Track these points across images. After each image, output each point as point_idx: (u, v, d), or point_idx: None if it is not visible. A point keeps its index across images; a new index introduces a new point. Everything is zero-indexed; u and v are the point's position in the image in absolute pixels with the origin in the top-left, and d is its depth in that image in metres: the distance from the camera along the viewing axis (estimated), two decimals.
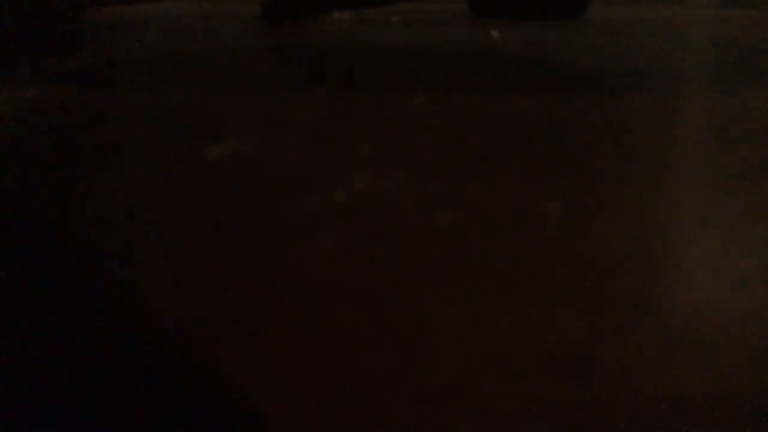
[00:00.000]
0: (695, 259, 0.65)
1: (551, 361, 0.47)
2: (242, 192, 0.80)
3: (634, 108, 1.23)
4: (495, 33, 2.18)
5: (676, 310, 0.55)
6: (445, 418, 0.42)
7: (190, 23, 2.39)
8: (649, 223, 0.72)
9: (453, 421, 0.42)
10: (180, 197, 0.79)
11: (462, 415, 0.42)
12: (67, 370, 0.46)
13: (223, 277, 0.59)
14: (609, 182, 0.84)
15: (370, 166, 0.88)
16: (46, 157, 0.94)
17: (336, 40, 2.08)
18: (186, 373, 0.47)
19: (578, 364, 0.47)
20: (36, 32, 1.90)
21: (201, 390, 0.45)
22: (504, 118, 1.15)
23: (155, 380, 0.46)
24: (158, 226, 0.71)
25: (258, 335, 0.51)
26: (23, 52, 1.73)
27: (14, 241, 0.67)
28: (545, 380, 0.45)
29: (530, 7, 2.61)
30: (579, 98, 1.29)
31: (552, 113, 1.19)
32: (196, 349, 0.49)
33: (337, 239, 0.67)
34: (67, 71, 1.52)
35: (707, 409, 0.43)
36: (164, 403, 0.43)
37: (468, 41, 2.11)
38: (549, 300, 0.55)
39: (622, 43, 2.04)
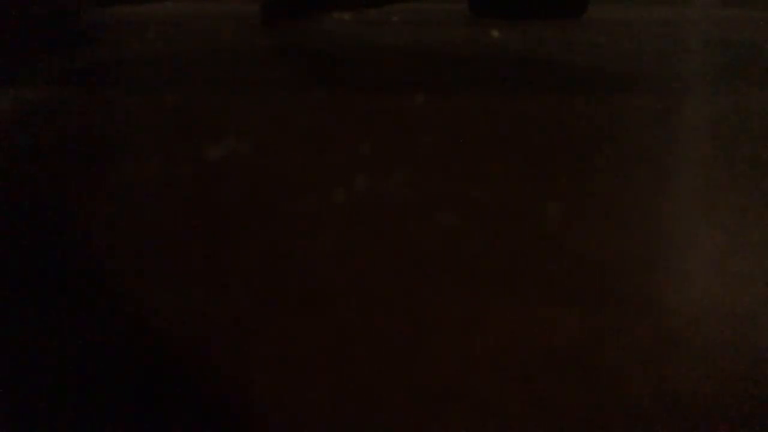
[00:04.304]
0: (695, 260, 0.65)
1: (551, 361, 0.47)
2: (242, 191, 0.80)
3: (634, 108, 1.23)
4: (495, 33, 2.18)
5: (675, 310, 0.55)
6: (446, 417, 0.42)
7: (190, 23, 2.39)
8: (648, 223, 0.72)
9: (453, 420, 0.42)
10: (180, 196, 0.79)
11: (462, 415, 0.42)
12: (67, 368, 0.47)
13: (224, 276, 0.59)
14: (609, 182, 0.84)
15: (370, 166, 0.88)
16: (46, 156, 0.94)
17: (336, 40, 2.08)
18: (186, 372, 0.47)
19: (579, 364, 0.47)
20: (36, 32, 1.90)
21: (201, 389, 0.45)
22: (504, 118, 1.15)
23: (155, 378, 0.46)
24: (158, 225, 0.71)
25: (259, 334, 0.51)
26: (24, 52, 1.73)
27: (15, 239, 0.67)
28: (545, 380, 0.45)
29: (530, 6, 2.61)
30: (579, 98, 1.29)
31: (552, 113, 1.19)
32: (196, 348, 0.49)
33: (338, 239, 0.67)
34: (68, 71, 1.52)
35: (707, 409, 0.43)
36: (164, 402, 0.43)
37: (468, 41, 2.11)
38: (549, 300, 0.55)
39: (622, 43, 2.04)
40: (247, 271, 0.60)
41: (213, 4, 2.88)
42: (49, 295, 0.57)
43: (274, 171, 0.87)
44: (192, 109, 1.20)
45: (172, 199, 0.79)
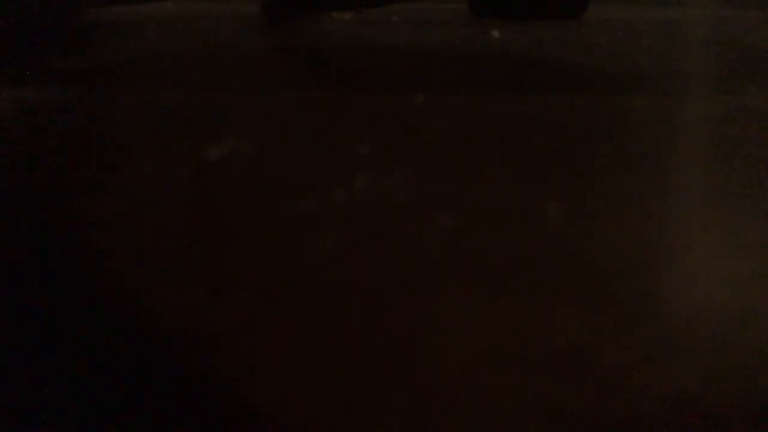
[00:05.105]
0: (695, 261, 0.65)
1: (551, 362, 0.47)
2: (243, 192, 0.80)
3: (634, 108, 1.23)
4: (495, 33, 2.18)
5: (676, 311, 0.55)
6: (446, 419, 0.42)
7: (190, 23, 2.39)
8: (648, 224, 0.72)
9: (453, 422, 0.42)
10: (180, 197, 0.79)
11: (462, 416, 0.42)
12: (67, 370, 0.47)
13: (224, 277, 0.59)
14: (609, 183, 0.84)
15: (370, 166, 0.88)
16: (46, 157, 0.94)
17: (336, 40, 2.08)
18: (186, 373, 0.47)
19: (579, 364, 0.47)
20: (36, 32, 1.90)
21: (201, 390, 0.45)
22: (504, 119, 1.15)
23: (155, 380, 0.46)
24: (158, 226, 0.71)
25: (259, 335, 0.51)
26: (23, 52, 1.73)
27: (15, 241, 0.67)
28: (546, 381, 0.45)
29: (530, 7, 2.61)
30: (579, 98, 1.29)
31: (552, 113, 1.19)
32: (196, 349, 0.49)
33: (338, 239, 0.67)
34: (68, 71, 1.52)
35: (707, 409, 0.43)
36: (164, 403, 0.43)
37: (468, 41, 2.11)
38: (550, 301, 0.55)
39: (622, 43, 2.04)
40: (247, 272, 0.60)
41: (213, 4, 2.88)
42: (49, 296, 0.56)
43: (275, 171, 0.87)
44: (192, 109, 1.20)
45: (173, 198, 0.79)
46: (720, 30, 2.40)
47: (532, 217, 0.73)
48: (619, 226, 0.71)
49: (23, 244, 0.67)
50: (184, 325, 0.52)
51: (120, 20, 2.38)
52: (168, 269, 0.61)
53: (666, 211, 0.76)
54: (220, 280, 0.59)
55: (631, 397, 0.44)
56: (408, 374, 0.46)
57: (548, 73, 1.55)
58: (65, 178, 0.86)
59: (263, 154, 0.95)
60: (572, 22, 2.50)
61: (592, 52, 1.85)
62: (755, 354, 0.48)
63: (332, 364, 0.47)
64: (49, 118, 1.14)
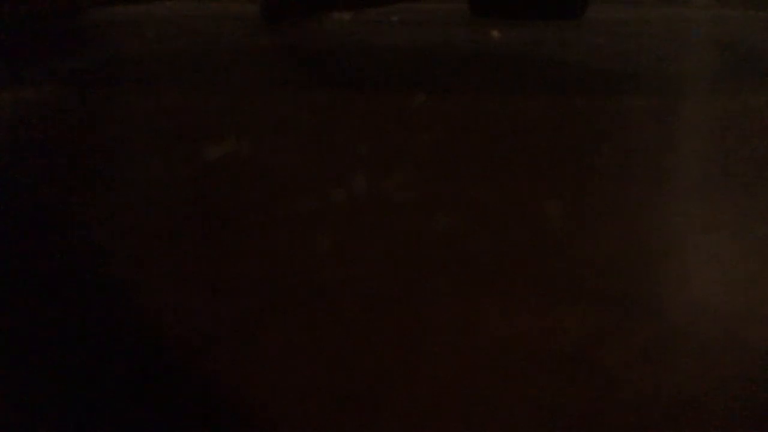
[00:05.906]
0: (695, 261, 0.65)
1: (551, 362, 0.47)
2: (242, 192, 0.80)
3: (633, 109, 1.23)
4: (495, 33, 2.18)
5: (676, 311, 0.55)
6: (446, 418, 0.42)
7: (190, 23, 2.39)
8: (648, 225, 0.72)
9: (453, 421, 0.42)
10: (180, 197, 0.79)
11: (462, 416, 0.42)
12: (67, 370, 0.47)
13: (224, 278, 0.59)
14: (609, 183, 0.84)
15: (370, 166, 0.88)
16: (46, 157, 0.94)
17: (336, 40, 2.08)
18: (187, 374, 0.47)
19: (578, 364, 0.47)
20: (36, 32, 1.90)
21: (201, 391, 0.45)
22: (504, 119, 1.15)
23: (155, 381, 0.46)
24: (158, 227, 0.71)
25: (259, 335, 0.51)
26: (24, 52, 1.73)
27: (15, 241, 0.67)
28: (545, 380, 0.45)
29: (530, 7, 2.60)
30: (579, 98, 1.29)
31: (552, 114, 1.19)
32: (196, 350, 0.49)
33: (337, 239, 0.67)
34: (68, 71, 1.52)
35: (707, 409, 0.43)
36: (164, 403, 0.43)
37: (468, 41, 2.11)
38: (550, 300, 0.55)
39: (622, 43, 2.04)
40: (247, 271, 0.61)
41: (213, 4, 2.88)
42: (49, 295, 0.57)
43: (275, 170, 0.87)
44: (192, 109, 1.20)
45: (173, 199, 0.79)
46: (720, 30, 2.40)
47: (532, 217, 0.73)
48: (620, 226, 0.71)
49: (24, 243, 0.67)
50: (184, 325, 0.52)
51: (120, 20, 2.38)
52: (168, 269, 0.61)
53: (666, 210, 0.76)
54: (220, 279, 0.59)
55: (631, 397, 0.44)
56: (408, 373, 0.46)
57: (548, 73, 1.55)
58: (65, 177, 0.86)
59: (263, 154, 0.95)
60: (572, 22, 2.50)
61: (592, 52, 1.85)
62: (755, 354, 0.48)
63: (332, 364, 0.47)
64: (49, 118, 1.14)
